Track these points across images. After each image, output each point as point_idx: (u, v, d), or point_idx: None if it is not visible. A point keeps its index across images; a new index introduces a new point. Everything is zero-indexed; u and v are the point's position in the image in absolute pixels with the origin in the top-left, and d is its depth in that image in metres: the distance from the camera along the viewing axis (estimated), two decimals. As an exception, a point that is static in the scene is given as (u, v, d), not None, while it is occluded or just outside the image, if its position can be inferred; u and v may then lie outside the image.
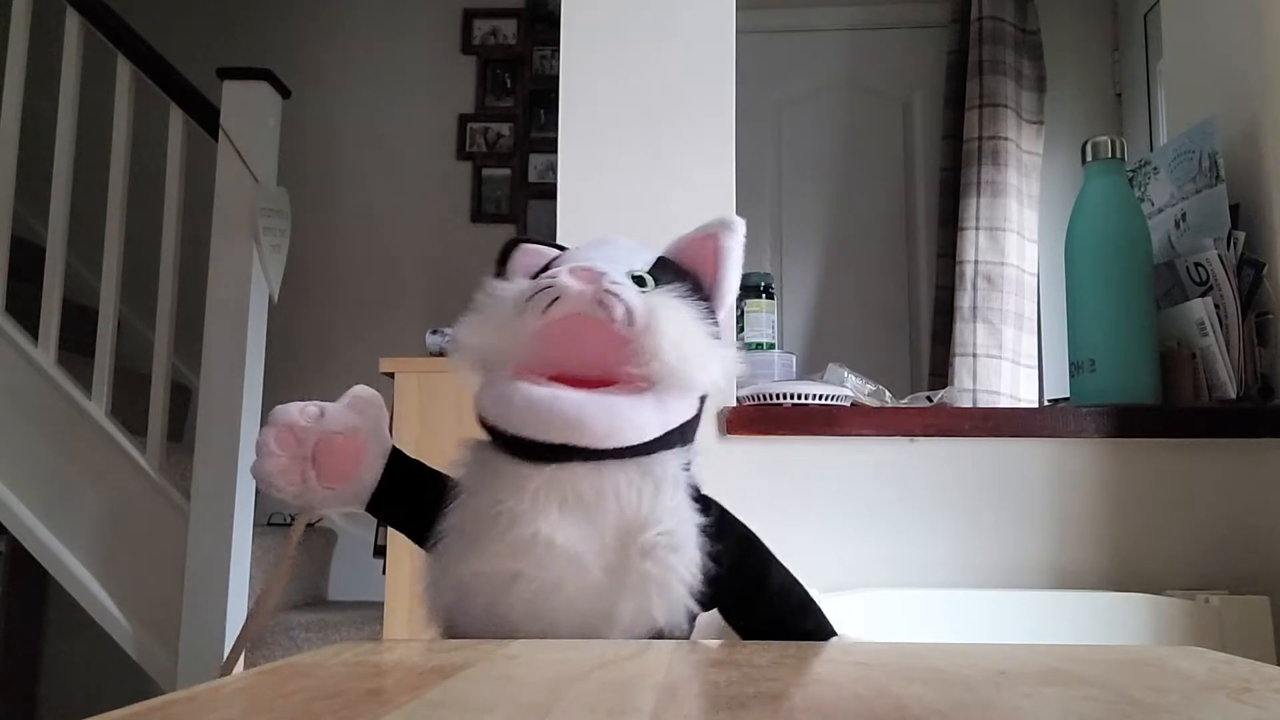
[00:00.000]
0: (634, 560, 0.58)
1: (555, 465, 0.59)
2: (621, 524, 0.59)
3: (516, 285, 0.62)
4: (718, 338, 0.64)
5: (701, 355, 0.60)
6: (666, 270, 0.65)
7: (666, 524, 0.59)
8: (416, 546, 0.66)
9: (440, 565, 0.62)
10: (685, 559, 0.59)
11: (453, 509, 0.62)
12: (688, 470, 0.63)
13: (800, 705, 0.38)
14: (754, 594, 0.64)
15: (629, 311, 0.57)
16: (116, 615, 1.98)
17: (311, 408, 0.65)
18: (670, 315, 0.59)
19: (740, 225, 0.69)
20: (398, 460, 0.67)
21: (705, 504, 0.62)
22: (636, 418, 0.59)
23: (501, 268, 0.71)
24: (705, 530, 0.61)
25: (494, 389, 0.60)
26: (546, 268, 0.66)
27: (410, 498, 0.66)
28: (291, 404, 0.66)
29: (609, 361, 0.59)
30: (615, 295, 0.57)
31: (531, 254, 0.72)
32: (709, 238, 0.68)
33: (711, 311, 0.66)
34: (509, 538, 0.58)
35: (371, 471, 0.65)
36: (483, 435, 0.63)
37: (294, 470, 0.64)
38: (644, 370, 0.58)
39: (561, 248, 0.72)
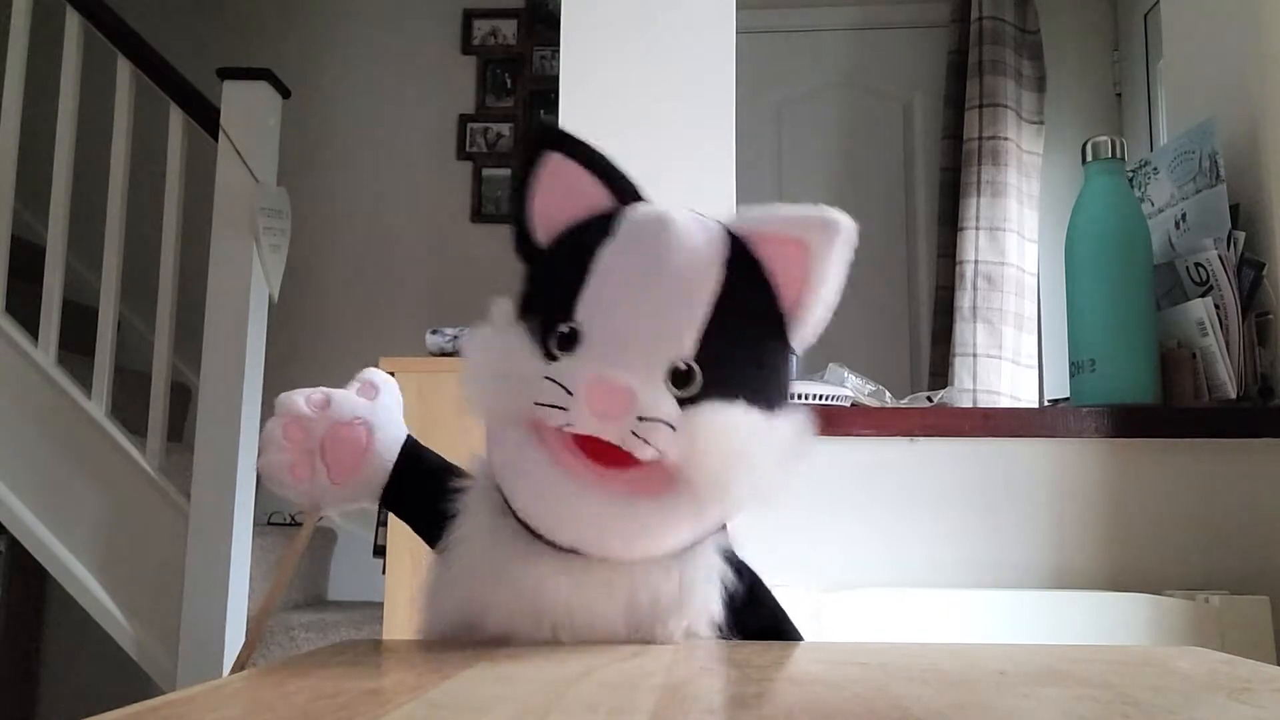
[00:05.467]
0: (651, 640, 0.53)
1: (564, 552, 0.52)
2: (634, 617, 0.53)
3: (524, 363, 0.51)
4: (784, 398, 0.54)
5: (745, 477, 0.50)
6: (735, 273, 0.52)
7: (689, 616, 0.54)
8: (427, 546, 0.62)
9: (437, 599, 0.58)
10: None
11: (454, 543, 0.56)
12: (722, 549, 0.56)
13: (800, 705, 0.38)
14: None
15: (659, 452, 0.49)
16: (116, 615, 1.98)
17: (318, 395, 0.60)
18: (712, 441, 0.49)
19: (843, 234, 0.54)
20: (413, 451, 0.62)
21: (733, 591, 0.56)
22: (667, 534, 0.51)
23: (529, 170, 0.57)
24: (732, 608, 0.55)
25: (507, 447, 0.52)
26: (574, 244, 0.55)
27: (424, 494, 0.60)
28: (297, 391, 0.61)
29: None
30: (640, 438, 0.48)
31: (566, 184, 0.56)
32: (798, 245, 0.53)
33: (784, 336, 0.55)
34: (515, 619, 0.53)
35: (382, 465, 0.60)
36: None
37: (302, 465, 0.59)
38: (678, 481, 0.50)
39: (608, 169, 0.57)
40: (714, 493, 0.50)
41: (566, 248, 0.56)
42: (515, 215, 0.58)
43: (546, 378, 0.50)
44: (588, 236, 0.54)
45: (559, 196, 0.56)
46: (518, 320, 0.54)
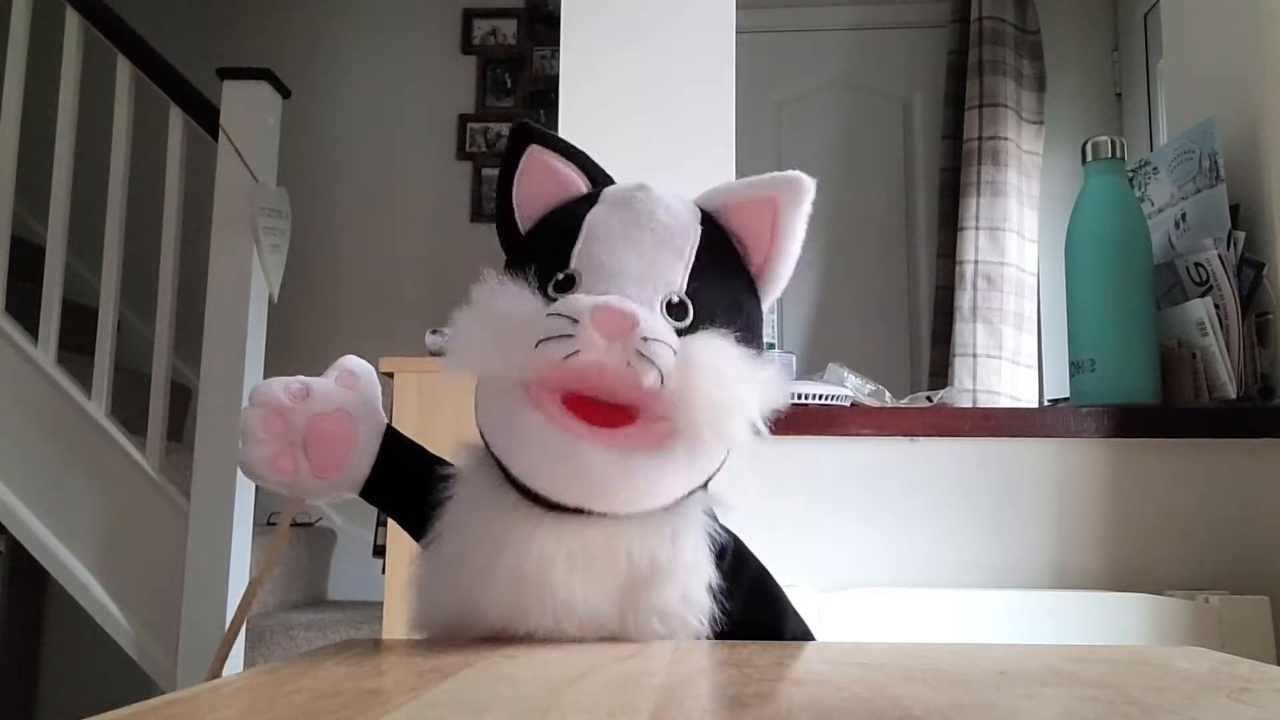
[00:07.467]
0: (643, 616, 0.54)
1: (564, 515, 0.53)
2: (632, 580, 0.54)
3: (526, 304, 0.52)
4: (761, 349, 0.57)
5: (740, 409, 0.51)
6: (709, 237, 0.57)
7: (681, 578, 0.54)
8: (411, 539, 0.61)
9: (430, 588, 0.57)
10: (696, 613, 0.55)
11: (446, 529, 0.56)
12: (705, 509, 0.57)
13: (800, 705, 0.38)
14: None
15: (661, 375, 0.50)
16: (116, 615, 1.98)
17: (296, 385, 0.59)
18: (709, 368, 0.51)
19: (808, 190, 0.59)
20: (393, 441, 0.61)
21: (722, 543, 0.57)
22: (664, 483, 0.53)
23: (511, 164, 0.61)
24: (719, 573, 0.56)
25: (501, 413, 0.53)
26: (559, 216, 0.58)
27: (406, 485, 0.60)
28: (274, 380, 0.60)
29: (634, 396, 0.51)
30: (646, 358, 0.50)
31: (546, 172, 0.60)
32: (766, 204, 0.58)
33: (756, 295, 0.59)
34: (511, 595, 0.53)
35: (365, 455, 0.60)
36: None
37: (284, 457, 0.58)
38: (673, 421, 0.51)
39: (583, 160, 0.62)
40: (711, 422, 0.51)
41: (551, 220, 0.60)
42: (499, 207, 0.61)
43: (550, 313, 0.51)
44: (572, 207, 0.59)
45: (540, 184, 0.61)
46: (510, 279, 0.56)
